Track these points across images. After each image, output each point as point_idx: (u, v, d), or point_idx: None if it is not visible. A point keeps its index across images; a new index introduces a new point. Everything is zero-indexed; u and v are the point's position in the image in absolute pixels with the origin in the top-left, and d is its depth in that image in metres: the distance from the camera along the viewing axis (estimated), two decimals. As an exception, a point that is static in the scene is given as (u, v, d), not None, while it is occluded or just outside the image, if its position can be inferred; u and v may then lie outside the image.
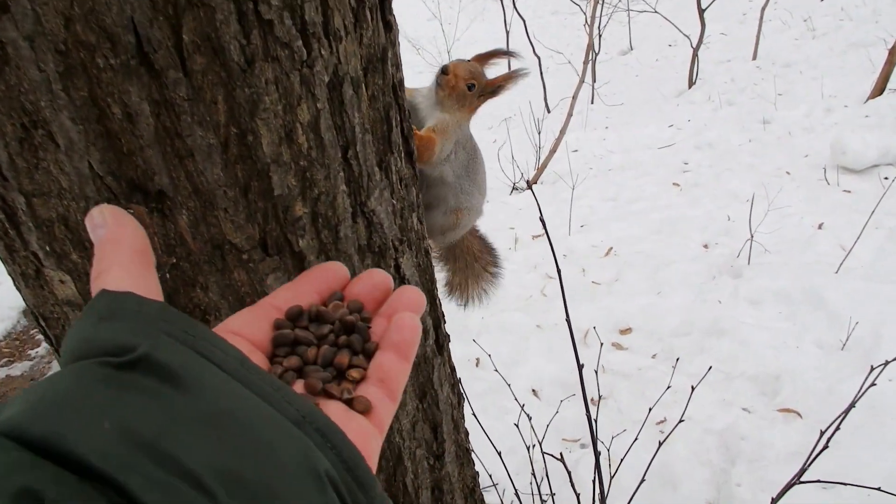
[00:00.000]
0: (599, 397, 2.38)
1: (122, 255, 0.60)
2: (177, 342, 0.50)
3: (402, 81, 1.04)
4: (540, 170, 7.77)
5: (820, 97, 7.56)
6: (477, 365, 3.89)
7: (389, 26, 0.97)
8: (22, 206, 0.80)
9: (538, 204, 1.89)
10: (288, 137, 0.84)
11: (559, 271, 1.96)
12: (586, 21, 9.96)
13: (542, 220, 1.90)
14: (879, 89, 6.78)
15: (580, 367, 2.04)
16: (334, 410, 0.59)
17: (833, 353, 3.30)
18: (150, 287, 0.58)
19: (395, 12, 1.00)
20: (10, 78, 0.71)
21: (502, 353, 3.88)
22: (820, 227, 4.74)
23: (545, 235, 1.85)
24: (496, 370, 2.81)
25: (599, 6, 10.18)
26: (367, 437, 0.58)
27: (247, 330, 0.64)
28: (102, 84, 0.72)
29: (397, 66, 1.02)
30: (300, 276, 0.73)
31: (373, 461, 0.58)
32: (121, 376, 0.46)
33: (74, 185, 0.78)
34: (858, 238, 4.05)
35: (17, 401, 0.44)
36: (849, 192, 5.31)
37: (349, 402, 0.60)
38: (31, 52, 0.69)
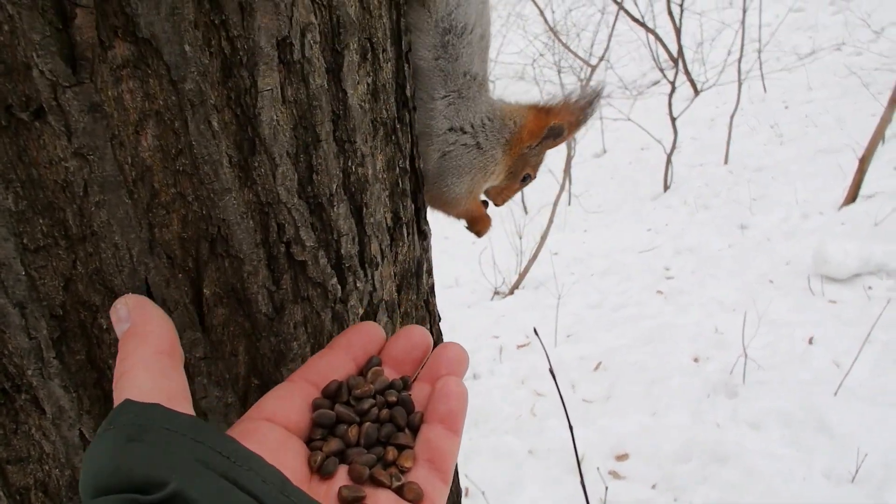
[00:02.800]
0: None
1: (146, 354, 0.54)
2: (212, 472, 0.45)
3: (433, 286, 0.94)
4: (521, 275, 7.72)
5: (794, 202, 7.68)
6: (466, 494, 3.67)
7: (424, 234, 0.88)
8: (-6, 475, 0.67)
9: (548, 358, 1.78)
10: (315, 379, 0.73)
11: (567, 415, 1.84)
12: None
13: (552, 374, 1.79)
14: (852, 196, 6.91)
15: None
16: (384, 501, 0.55)
17: (843, 485, 3.16)
18: (177, 391, 0.54)
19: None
20: (-9, 343, 0.59)
21: (495, 482, 3.68)
22: (811, 341, 4.67)
23: (551, 373, 1.73)
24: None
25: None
26: None
27: (281, 413, 0.59)
28: (104, 346, 0.61)
29: (430, 271, 0.92)
30: (334, 341, 0.67)
31: None
32: None
33: (60, 453, 0.65)
34: (855, 360, 3.97)
35: None
36: (834, 302, 5.29)
37: (399, 491, 0.55)
38: (22, 319, 0.57)
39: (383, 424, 0.60)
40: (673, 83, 10.27)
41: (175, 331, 0.58)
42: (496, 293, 7.82)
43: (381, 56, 0.75)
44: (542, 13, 11.82)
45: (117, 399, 0.51)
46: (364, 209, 0.72)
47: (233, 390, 0.66)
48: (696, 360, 4.86)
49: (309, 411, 0.60)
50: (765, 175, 9.17)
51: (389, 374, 0.66)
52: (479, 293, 8.06)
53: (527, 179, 1.23)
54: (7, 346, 0.59)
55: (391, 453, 0.58)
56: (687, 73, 11.94)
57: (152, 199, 0.57)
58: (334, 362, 0.65)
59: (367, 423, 0.60)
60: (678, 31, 11.01)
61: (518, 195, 1.28)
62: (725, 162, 10.14)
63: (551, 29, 11.90)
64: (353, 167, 0.70)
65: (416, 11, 0.90)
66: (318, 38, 0.65)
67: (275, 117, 0.62)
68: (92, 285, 0.58)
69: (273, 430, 0.58)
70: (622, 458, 3.85)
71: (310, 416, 0.60)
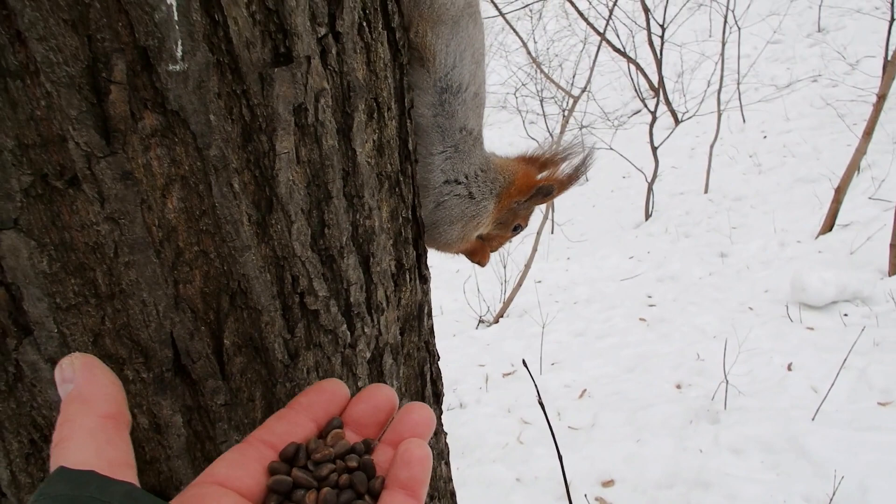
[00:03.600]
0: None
1: (88, 418, 0.52)
2: None
3: (433, 327, 0.98)
4: (506, 303, 7.76)
5: (773, 231, 7.83)
6: (455, 525, 3.67)
7: (425, 279, 0.92)
8: (19, 522, 0.69)
9: (537, 388, 1.82)
10: (324, 422, 0.77)
11: (557, 447, 1.87)
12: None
13: (542, 407, 1.82)
14: (828, 226, 7.06)
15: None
16: None
17: (823, 510, 3.21)
18: (118, 457, 0.51)
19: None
20: (21, 395, 0.62)
21: (483, 511, 3.70)
22: (789, 367, 4.75)
23: (539, 399, 1.77)
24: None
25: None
26: None
27: (234, 477, 0.56)
28: (130, 396, 0.64)
29: (430, 313, 0.97)
30: (295, 400, 0.65)
31: None
32: None
33: (83, 496, 0.68)
34: (832, 386, 4.05)
35: None
36: (812, 329, 5.38)
37: None
38: (53, 373, 0.60)
39: (342, 491, 0.58)
40: (654, 113, 10.46)
41: (123, 393, 0.56)
42: (481, 322, 7.85)
43: (386, 114, 0.80)
44: (524, 44, 12.03)
45: (53, 467, 0.49)
46: (371, 259, 0.76)
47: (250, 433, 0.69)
48: (678, 387, 4.91)
49: (264, 475, 0.58)
50: (744, 204, 9.33)
51: (351, 436, 0.64)
52: (464, 322, 8.08)
53: (518, 229, 1.29)
54: (36, 399, 0.62)
55: None
56: (667, 103, 12.16)
57: (177, 258, 0.61)
58: (294, 423, 0.63)
59: (326, 490, 0.57)
60: (659, 62, 11.23)
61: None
62: (706, 191, 10.30)
63: (534, 59, 12.11)
64: (362, 220, 0.74)
65: (417, 72, 0.96)
66: (330, 103, 0.69)
67: (290, 177, 0.66)
68: (119, 340, 0.61)
69: (224, 496, 0.55)
70: (608, 484, 3.87)
71: (265, 481, 0.58)
